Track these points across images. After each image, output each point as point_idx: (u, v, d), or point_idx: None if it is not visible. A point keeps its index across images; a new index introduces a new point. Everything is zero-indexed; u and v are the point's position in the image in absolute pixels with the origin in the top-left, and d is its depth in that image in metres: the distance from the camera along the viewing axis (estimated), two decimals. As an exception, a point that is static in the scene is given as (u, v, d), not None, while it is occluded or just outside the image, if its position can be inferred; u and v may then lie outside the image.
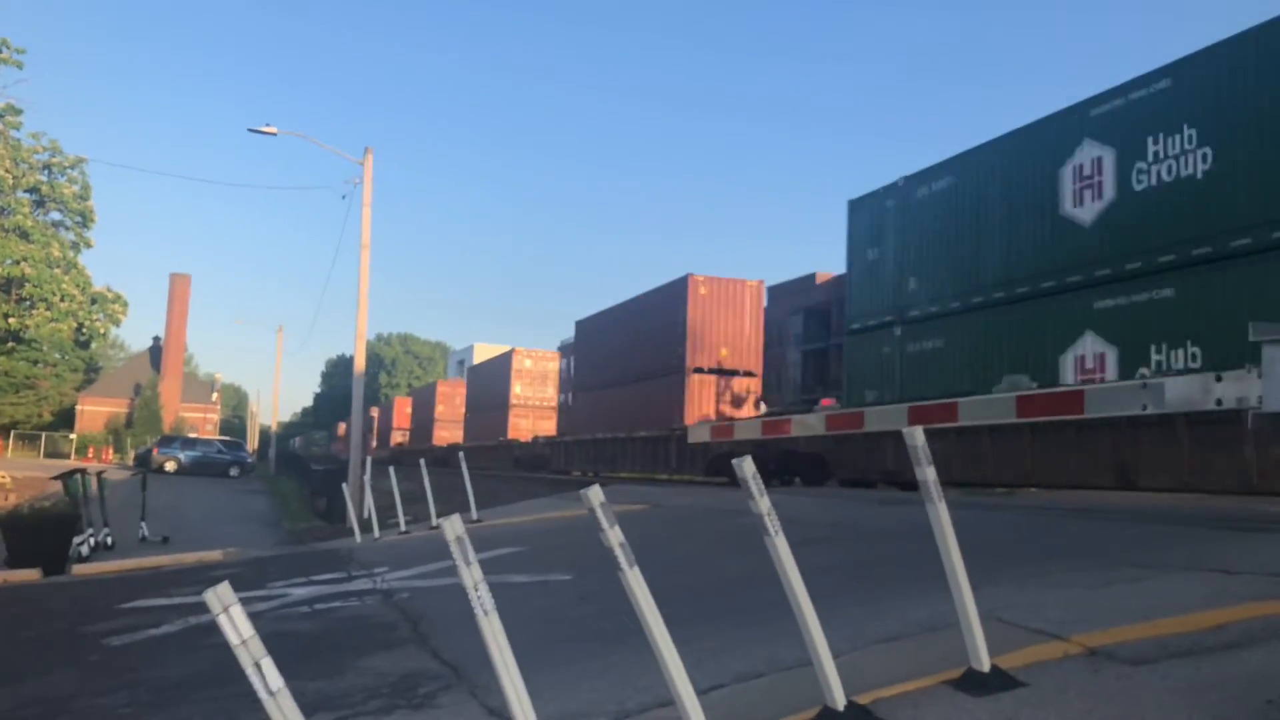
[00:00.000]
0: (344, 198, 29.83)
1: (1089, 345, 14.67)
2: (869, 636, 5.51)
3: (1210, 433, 11.11)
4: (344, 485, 22.97)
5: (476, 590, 3.52)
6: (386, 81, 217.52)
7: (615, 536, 3.77)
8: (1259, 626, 4.95)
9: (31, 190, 63.69)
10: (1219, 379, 10.60)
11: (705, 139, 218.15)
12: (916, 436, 4.67)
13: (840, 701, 4.12)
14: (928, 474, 4.61)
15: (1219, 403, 10.58)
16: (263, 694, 2.87)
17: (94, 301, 69.53)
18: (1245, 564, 6.76)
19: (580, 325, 39.75)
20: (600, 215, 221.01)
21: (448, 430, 66.71)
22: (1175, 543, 8.44)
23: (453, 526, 3.63)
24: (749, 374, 29.10)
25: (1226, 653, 4.60)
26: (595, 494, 3.80)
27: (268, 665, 2.88)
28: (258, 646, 2.89)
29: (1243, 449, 10.66)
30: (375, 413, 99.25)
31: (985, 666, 4.44)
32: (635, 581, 3.78)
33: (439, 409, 69.27)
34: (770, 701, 4.69)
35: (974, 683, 4.39)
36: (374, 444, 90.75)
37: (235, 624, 2.87)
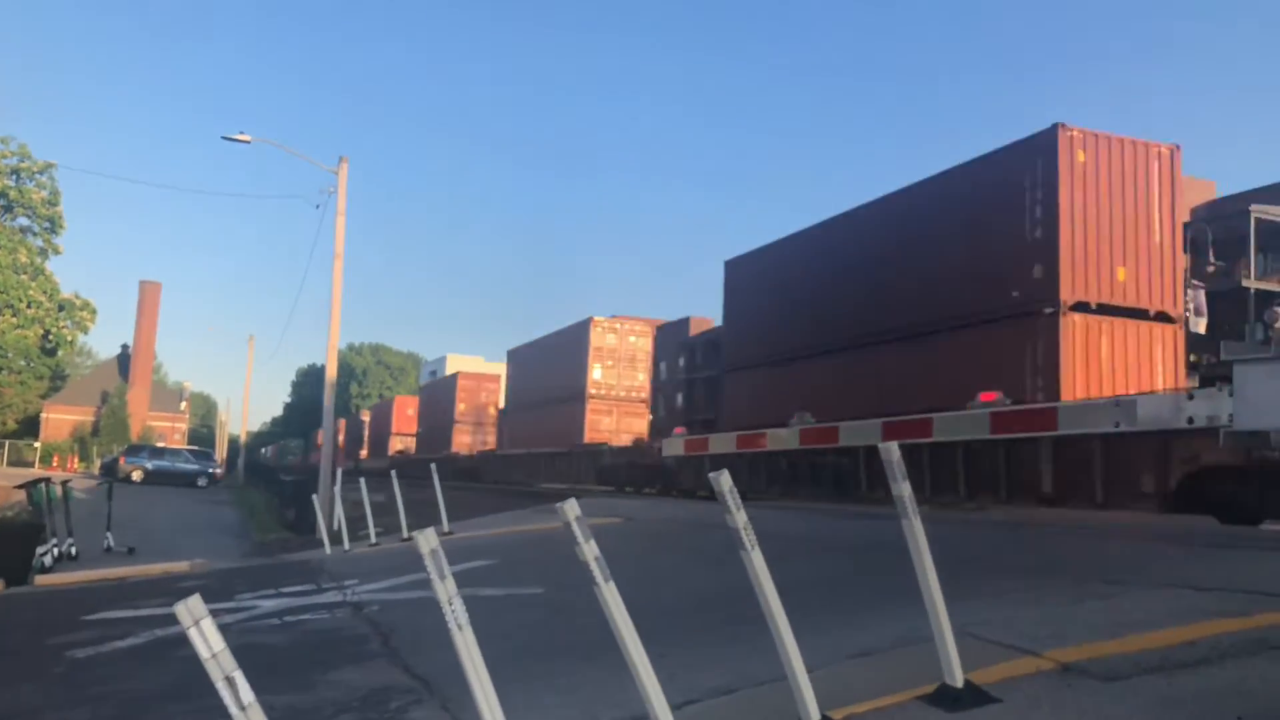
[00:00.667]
0: (318, 207, 29.51)
1: None
2: (843, 651, 5.51)
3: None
4: (314, 496, 22.78)
5: (451, 604, 3.50)
6: (362, 92, 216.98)
7: (591, 550, 3.75)
8: (1229, 642, 4.98)
9: (-1, 195, 63.11)
10: (1190, 397, 10.71)
11: (682, 150, 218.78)
12: (892, 452, 4.68)
13: (814, 717, 4.12)
14: (903, 490, 4.62)
15: (1190, 420, 10.67)
16: (233, 708, 2.83)
17: (61, 308, 68.95)
18: (1215, 580, 6.82)
19: (736, 264, 26.61)
20: (574, 227, 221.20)
21: (470, 434, 56.94)
22: (1146, 560, 8.52)
23: (427, 540, 3.60)
24: (1163, 317, 17.06)
25: (1197, 669, 4.63)
26: (571, 507, 3.79)
27: (239, 679, 2.84)
28: (228, 660, 2.85)
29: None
30: (366, 416, 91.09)
31: (959, 682, 4.44)
32: (611, 596, 3.76)
33: (459, 408, 57.93)
34: (744, 716, 4.68)
35: (947, 698, 4.40)
36: (364, 452, 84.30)
37: (206, 637, 2.83)
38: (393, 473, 19.69)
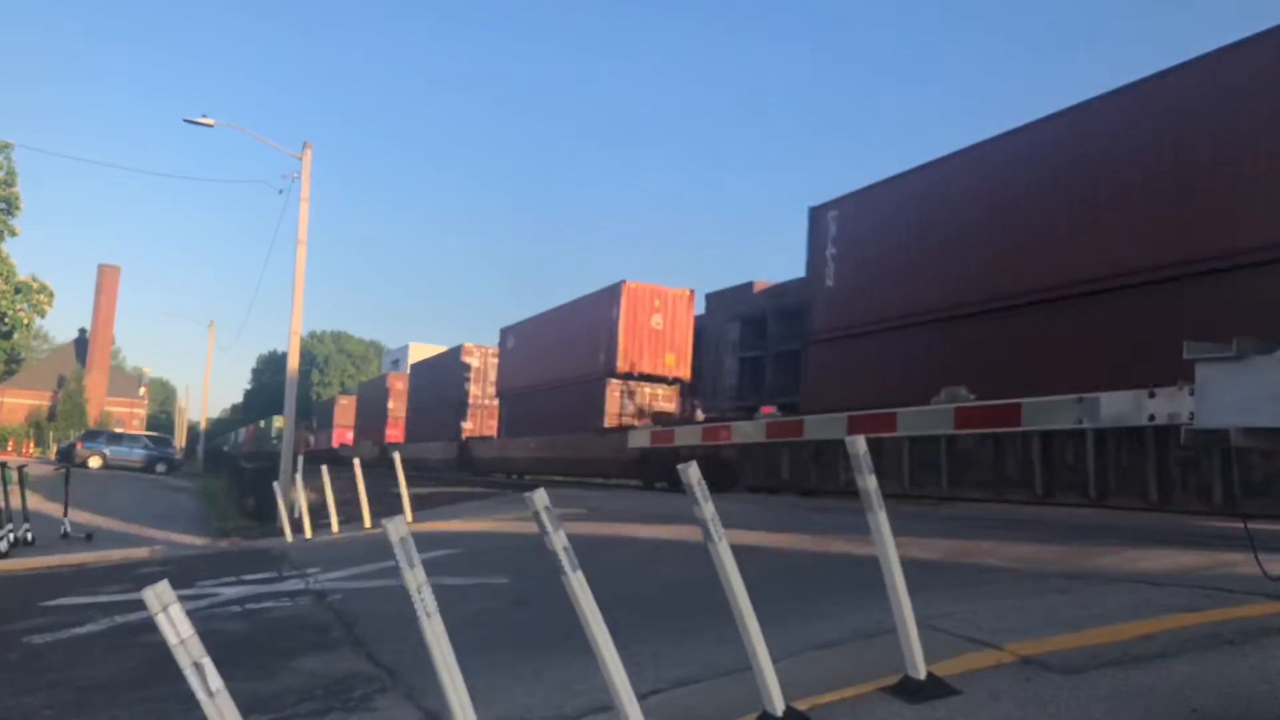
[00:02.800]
0: (281, 193, 29.19)
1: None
2: (807, 643, 5.55)
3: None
4: (274, 484, 22.60)
5: (420, 592, 3.49)
6: (326, 78, 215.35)
7: (560, 540, 3.76)
8: (1184, 637, 5.07)
9: (-46, 175, 61.89)
10: (1152, 395, 10.85)
11: (650, 141, 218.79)
12: (858, 445, 4.73)
13: (779, 707, 4.15)
14: (869, 483, 4.66)
15: (1151, 418, 10.82)
16: (201, 695, 2.81)
17: (18, 290, 67.71)
18: (1170, 576, 6.94)
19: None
20: (535, 217, 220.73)
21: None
22: (1103, 555, 8.63)
23: (396, 528, 3.59)
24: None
25: (1153, 662, 4.71)
26: (540, 498, 3.80)
27: (207, 665, 2.82)
28: (197, 646, 2.83)
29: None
30: (397, 383, 62.35)
31: (921, 674, 4.50)
32: (579, 585, 3.77)
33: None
34: (709, 706, 4.70)
35: (910, 690, 4.45)
36: (390, 433, 60.41)
37: (174, 623, 2.81)
38: (355, 461, 19.51)
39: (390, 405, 62.15)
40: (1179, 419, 10.35)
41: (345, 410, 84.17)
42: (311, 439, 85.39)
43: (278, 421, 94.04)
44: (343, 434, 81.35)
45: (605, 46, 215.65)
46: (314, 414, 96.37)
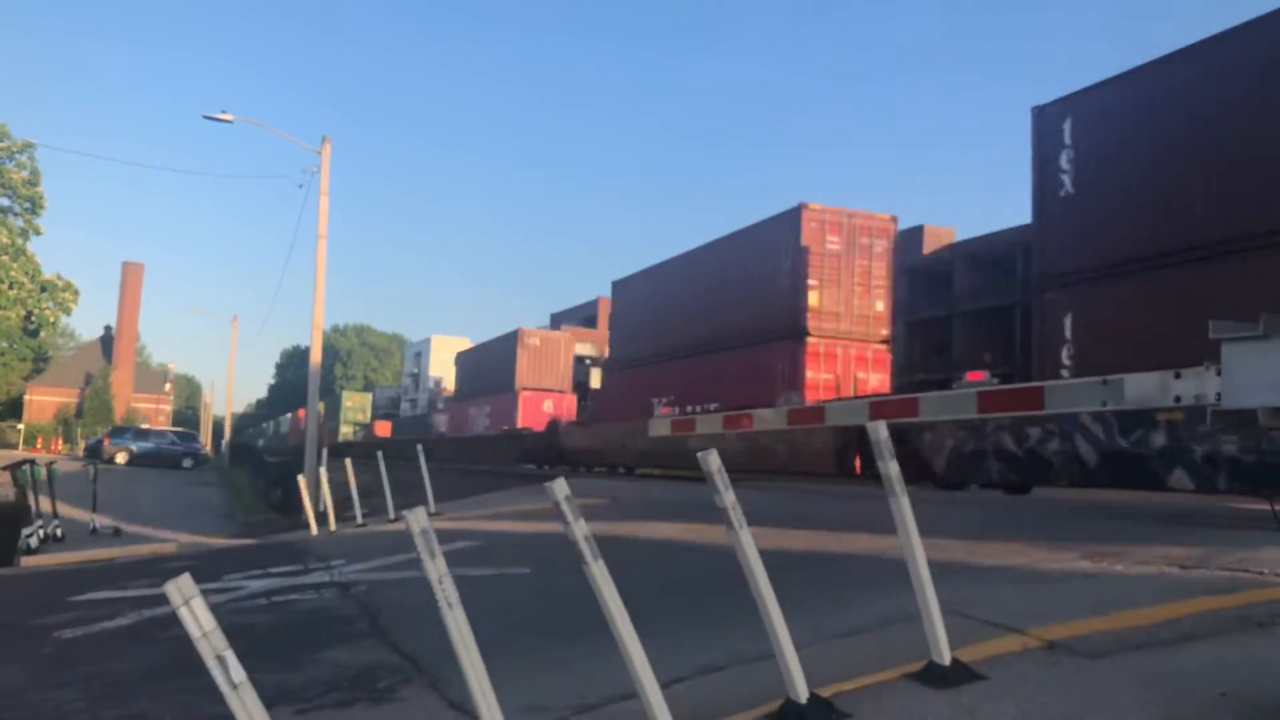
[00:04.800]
0: (301, 187, 29.34)
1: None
2: (830, 630, 5.54)
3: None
4: (299, 477, 22.74)
5: (441, 583, 3.50)
6: (345, 72, 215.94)
7: (580, 530, 3.76)
8: (1212, 620, 5.03)
9: (-22, 175, 62.55)
10: (1178, 376, 10.70)
11: (662, 144, 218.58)
12: (880, 431, 4.70)
13: (803, 694, 4.14)
14: (890, 468, 4.63)
15: (1178, 399, 10.68)
16: (225, 687, 2.83)
17: (43, 289, 68.52)
18: (1197, 558, 6.88)
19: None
20: (551, 214, 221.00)
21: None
22: (1129, 537, 8.57)
23: (417, 519, 3.60)
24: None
25: (1181, 646, 4.68)
26: (560, 487, 3.79)
27: (230, 658, 2.84)
28: (219, 639, 2.85)
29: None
30: (830, 235, 22.93)
31: (946, 660, 4.47)
32: (600, 575, 3.77)
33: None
34: (733, 694, 4.69)
35: (935, 676, 4.43)
36: (813, 379, 22.92)
37: (197, 616, 2.83)
38: (379, 454, 19.59)
39: (809, 309, 23.05)
40: (1205, 400, 10.21)
41: (539, 359, 45.66)
42: (443, 421, 55.47)
43: (348, 400, 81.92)
44: (537, 402, 43.26)
45: (621, 34, 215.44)
46: (465, 374, 54.76)
